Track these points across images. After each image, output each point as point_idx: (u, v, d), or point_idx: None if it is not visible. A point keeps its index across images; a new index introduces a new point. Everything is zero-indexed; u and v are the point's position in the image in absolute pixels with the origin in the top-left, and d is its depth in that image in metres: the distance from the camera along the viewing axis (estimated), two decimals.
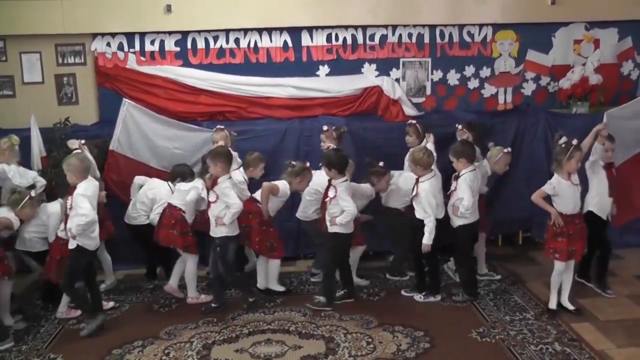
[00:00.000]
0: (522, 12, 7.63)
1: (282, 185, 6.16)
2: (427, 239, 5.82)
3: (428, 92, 7.78)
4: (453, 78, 7.77)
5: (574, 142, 5.55)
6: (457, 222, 5.93)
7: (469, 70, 7.78)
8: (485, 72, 7.80)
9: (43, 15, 7.08)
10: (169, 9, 7.16)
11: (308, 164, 6.24)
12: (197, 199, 6.04)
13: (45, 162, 6.65)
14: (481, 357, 5.02)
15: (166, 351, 5.22)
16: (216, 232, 5.75)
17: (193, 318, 5.81)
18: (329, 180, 5.94)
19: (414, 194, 5.90)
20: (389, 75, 7.63)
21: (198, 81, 7.39)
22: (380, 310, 5.91)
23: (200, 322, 5.73)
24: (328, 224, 5.89)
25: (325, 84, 7.50)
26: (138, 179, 6.59)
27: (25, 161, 6.48)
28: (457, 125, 6.71)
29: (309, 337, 5.41)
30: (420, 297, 6.12)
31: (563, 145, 5.58)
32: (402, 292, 6.28)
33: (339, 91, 7.47)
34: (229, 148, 6.18)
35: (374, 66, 7.62)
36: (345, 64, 7.59)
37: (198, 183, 6.09)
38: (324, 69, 7.58)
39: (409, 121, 6.82)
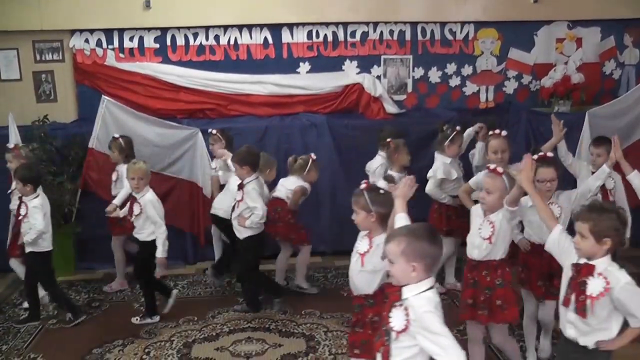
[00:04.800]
0: (504, 10, 7.62)
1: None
2: (162, 252, 5.51)
3: (409, 89, 7.76)
4: (434, 76, 7.76)
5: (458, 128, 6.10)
6: (243, 233, 5.70)
7: (451, 68, 7.77)
8: (467, 70, 7.80)
9: (20, 11, 6.98)
10: (147, 5, 7.08)
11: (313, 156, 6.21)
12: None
13: None
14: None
15: (146, 350, 5.19)
16: None
17: (173, 316, 5.77)
18: (20, 198, 5.54)
19: (137, 212, 5.55)
20: (370, 72, 7.60)
21: (178, 78, 7.33)
22: None
23: (181, 320, 5.70)
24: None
25: (305, 81, 7.46)
26: None
27: (1, 159, 6.38)
28: (210, 130, 6.56)
29: (289, 335, 5.39)
30: (137, 320, 5.75)
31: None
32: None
33: (319, 88, 7.43)
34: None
35: (354, 63, 7.59)
36: (326, 61, 7.55)
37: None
38: (304, 66, 7.54)
39: (113, 135, 6.41)
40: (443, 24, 7.66)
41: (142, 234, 5.62)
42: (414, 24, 7.61)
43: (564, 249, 3.53)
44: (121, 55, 7.32)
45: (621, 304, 3.24)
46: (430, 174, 6.02)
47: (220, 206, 6.27)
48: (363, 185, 3.95)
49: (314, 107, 7.44)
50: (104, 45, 7.28)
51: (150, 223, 5.54)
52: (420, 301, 2.95)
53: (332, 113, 7.39)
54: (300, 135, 7.06)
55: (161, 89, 7.37)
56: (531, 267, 4.64)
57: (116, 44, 7.30)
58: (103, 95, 6.76)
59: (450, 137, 6.07)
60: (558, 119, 5.68)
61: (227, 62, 7.44)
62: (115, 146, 6.30)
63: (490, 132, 5.72)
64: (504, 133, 5.56)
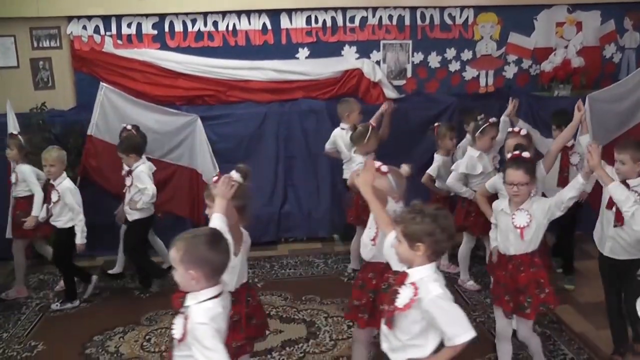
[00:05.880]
0: None
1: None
2: (81, 239, 5.62)
3: (409, 74, 7.72)
4: (434, 61, 7.71)
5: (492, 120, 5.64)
6: (133, 216, 5.86)
7: (450, 53, 7.73)
8: (466, 54, 7.76)
9: None
10: None
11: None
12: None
13: None
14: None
15: (147, 337, 5.21)
16: None
17: None
18: None
19: (55, 200, 5.62)
20: (369, 57, 7.55)
21: (176, 65, 7.28)
22: None
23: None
24: None
25: (305, 67, 7.42)
26: None
27: (0, 147, 6.38)
28: (123, 124, 6.37)
29: (290, 322, 5.40)
30: (57, 305, 5.82)
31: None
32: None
33: (319, 74, 7.39)
34: None
35: (354, 48, 7.54)
36: (325, 47, 7.50)
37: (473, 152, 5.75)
38: (303, 52, 7.49)
39: (11, 132, 6.13)
40: (442, 9, 7.60)
41: (60, 221, 5.69)
42: (413, 9, 7.55)
43: (394, 255, 3.24)
44: (119, 41, 7.26)
45: (431, 319, 2.93)
46: (453, 167, 5.87)
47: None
48: (215, 178, 3.77)
49: (314, 92, 7.40)
50: (102, 32, 7.21)
51: (68, 210, 5.62)
52: (198, 311, 2.83)
53: (331, 99, 7.33)
54: (299, 121, 7.05)
55: (159, 76, 7.32)
56: (498, 279, 4.33)
57: (114, 30, 7.23)
58: (101, 82, 6.71)
59: (481, 128, 5.66)
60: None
61: (225, 48, 7.38)
62: (14, 144, 5.97)
63: (510, 130, 5.20)
64: (523, 132, 5.03)
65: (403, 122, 6.86)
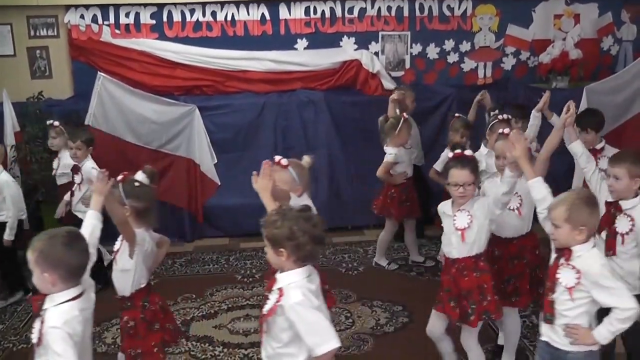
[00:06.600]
0: None
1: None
2: (10, 235, 5.49)
3: (407, 65, 7.70)
4: (432, 52, 7.70)
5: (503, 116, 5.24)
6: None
7: (449, 45, 7.71)
8: (465, 46, 7.74)
9: None
10: None
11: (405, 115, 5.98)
12: None
13: (20, 137, 6.54)
14: (460, 330, 5.02)
15: None
16: None
17: (172, 294, 5.72)
18: None
19: None
20: (367, 48, 7.52)
21: (174, 55, 7.25)
22: (358, 284, 5.91)
23: (179, 298, 5.70)
24: None
25: (303, 58, 7.39)
26: None
27: None
28: (50, 122, 6.20)
29: None
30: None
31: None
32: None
33: (317, 65, 7.36)
34: None
35: (352, 39, 7.52)
36: (324, 38, 7.48)
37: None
38: (302, 43, 7.47)
39: None
40: (441, 0, 7.59)
41: (1, 215, 5.57)
42: (412, 0, 7.53)
43: None
44: (117, 31, 7.23)
45: (294, 327, 2.80)
46: None
47: None
48: (119, 177, 3.67)
49: (312, 83, 7.38)
50: (100, 21, 7.18)
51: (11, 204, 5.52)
52: (53, 314, 2.74)
53: (330, 89, 7.33)
54: (298, 111, 7.04)
55: (157, 66, 7.28)
56: (442, 284, 4.04)
57: (112, 19, 7.20)
58: (99, 72, 6.71)
59: (490, 125, 5.32)
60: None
61: (224, 38, 7.35)
62: None
63: (500, 131, 4.37)
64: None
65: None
